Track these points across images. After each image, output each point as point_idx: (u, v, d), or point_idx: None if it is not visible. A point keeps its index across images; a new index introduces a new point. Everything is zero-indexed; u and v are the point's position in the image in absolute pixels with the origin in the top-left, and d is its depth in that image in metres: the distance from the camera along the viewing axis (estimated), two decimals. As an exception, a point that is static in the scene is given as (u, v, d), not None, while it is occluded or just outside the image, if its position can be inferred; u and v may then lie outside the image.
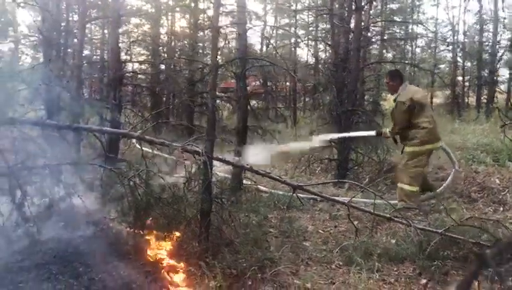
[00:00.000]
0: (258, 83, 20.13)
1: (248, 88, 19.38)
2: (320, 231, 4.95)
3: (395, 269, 3.99)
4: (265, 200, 6.00)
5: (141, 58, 14.05)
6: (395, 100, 5.64)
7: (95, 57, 14.13)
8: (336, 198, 4.53)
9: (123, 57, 10.41)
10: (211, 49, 4.15)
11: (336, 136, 7.04)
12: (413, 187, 5.49)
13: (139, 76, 12.14)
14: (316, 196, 4.68)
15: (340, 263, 4.09)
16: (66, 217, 4.70)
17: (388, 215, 4.01)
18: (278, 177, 4.11)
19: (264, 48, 21.72)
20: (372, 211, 4.05)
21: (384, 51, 19.68)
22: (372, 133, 6.11)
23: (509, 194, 5.84)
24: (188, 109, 11.88)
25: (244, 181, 6.37)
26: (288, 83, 20.88)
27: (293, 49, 21.01)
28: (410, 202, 5.47)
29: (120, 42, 11.25)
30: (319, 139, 6.65)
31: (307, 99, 21.83)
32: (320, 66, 16.50)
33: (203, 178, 4.16)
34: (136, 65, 12.93)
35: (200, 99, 12.82)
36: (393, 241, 4.41)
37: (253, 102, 18.55)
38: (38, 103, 6.11)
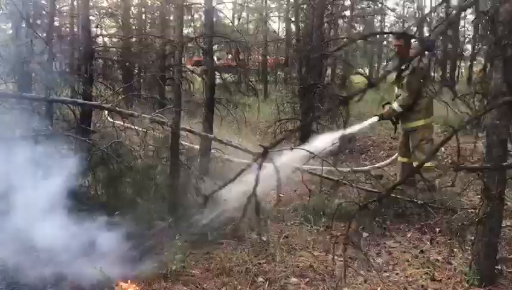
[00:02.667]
0: (230, 56, 20.35)
1: (220, 61, 19.49)
2: (280, 194, 5.43)
3: (342, 225, 4.51)
4: (233, 168, 6.39)
5: (111, 31, 14.04)
6: (406, 67, 4.93)
7: (65, 29, 14.05)
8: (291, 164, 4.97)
9: (94, 30, 10.52)
10: (176, 26, 4.46)
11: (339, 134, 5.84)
12: (430, 163, 5.08)
13: (111, 49, 12.24)
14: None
15: (295, 221, 4.59)
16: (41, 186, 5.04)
17: (336, 179, 4.51)
18: (239, 146, 4.53)
19: (236, 22, 21.80)
20: (323, 175, 4.54)
21: (356, 25, 20.07)
22: (375, 119, 5.44)
23: (450, 160, 6.44)
24: (158, 82, 12.07)
25: (214, 152, 6.74)
26: (260, 57, 21.09)
27: (265, 22, 21.15)
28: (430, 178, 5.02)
29: (90, 15, 11.30)
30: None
31: (278, 73, 22.13)
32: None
33: (170, 146, 4.54)
34: (107, 38, 12.98)
35: (171, 72, 13.00)
36: (342, 201, 4.91)
37: (226, 75, 18.83)
38: (10, 76, 6.33)
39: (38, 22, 9.74)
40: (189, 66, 13.25)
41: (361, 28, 20.89)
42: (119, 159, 4.73)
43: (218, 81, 17.42)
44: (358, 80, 22.82)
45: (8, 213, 3.93)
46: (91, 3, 10.19)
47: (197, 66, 17.02)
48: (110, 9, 12.99)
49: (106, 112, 8.90)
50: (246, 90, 17.52)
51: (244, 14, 22.93)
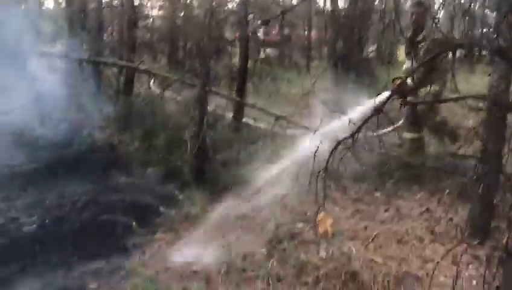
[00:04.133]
0: (274, 32, 20.46)
1: (264, 36, 19.58)
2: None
3: (357, 187, 4.76)
4: (262, 133, 6.66)
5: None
6: (423, 38, 4.78)
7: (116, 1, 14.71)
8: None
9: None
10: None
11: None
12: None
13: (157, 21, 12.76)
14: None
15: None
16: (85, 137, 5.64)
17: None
18: (262, 108, 4.83)
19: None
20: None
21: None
22: (386, 94, 5.01)
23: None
24: (202, 53, 12.44)
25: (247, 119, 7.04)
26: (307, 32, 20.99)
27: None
28: None
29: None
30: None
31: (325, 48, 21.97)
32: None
33: (198, 107, 4.91)
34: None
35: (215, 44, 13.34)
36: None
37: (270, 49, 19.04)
38: (63, 40, 6.91)
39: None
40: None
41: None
42: (153, 118, 5.17)
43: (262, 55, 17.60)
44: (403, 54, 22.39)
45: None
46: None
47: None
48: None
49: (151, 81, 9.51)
50: (288, 64, 17.75)
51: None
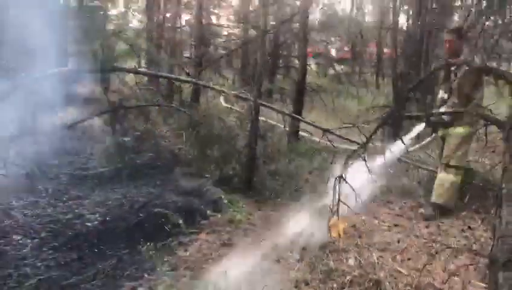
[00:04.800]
0: (346, 48, 20.52)
1: (335, 53, 19.67)
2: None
3: (403, 202, 4.80)
4: (314, 147, 6.84)
5: (230, 23, 15.20)
6: (457, 68, 4.39)
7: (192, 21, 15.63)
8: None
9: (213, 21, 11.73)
10: (261, 16, 5.06)
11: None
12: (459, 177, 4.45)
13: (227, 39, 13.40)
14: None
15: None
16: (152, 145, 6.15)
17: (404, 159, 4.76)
18: (308, 121, 5.04)
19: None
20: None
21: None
22: (421, 127, 4.68)
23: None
24: (270, 70, 12.81)
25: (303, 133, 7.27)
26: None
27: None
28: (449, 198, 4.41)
29: (210, 6, 12.50)
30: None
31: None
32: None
33: (251, 119, 5.22)
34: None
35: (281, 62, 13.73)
36: (406, 181, 5.16)
37: (341, 66, 19.08)
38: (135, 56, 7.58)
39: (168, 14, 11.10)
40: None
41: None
42: (209, 128, 5.56)
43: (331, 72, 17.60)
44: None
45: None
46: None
47: (315, 57, 17.65)
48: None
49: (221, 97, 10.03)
50: (357, 81, 17.68)
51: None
